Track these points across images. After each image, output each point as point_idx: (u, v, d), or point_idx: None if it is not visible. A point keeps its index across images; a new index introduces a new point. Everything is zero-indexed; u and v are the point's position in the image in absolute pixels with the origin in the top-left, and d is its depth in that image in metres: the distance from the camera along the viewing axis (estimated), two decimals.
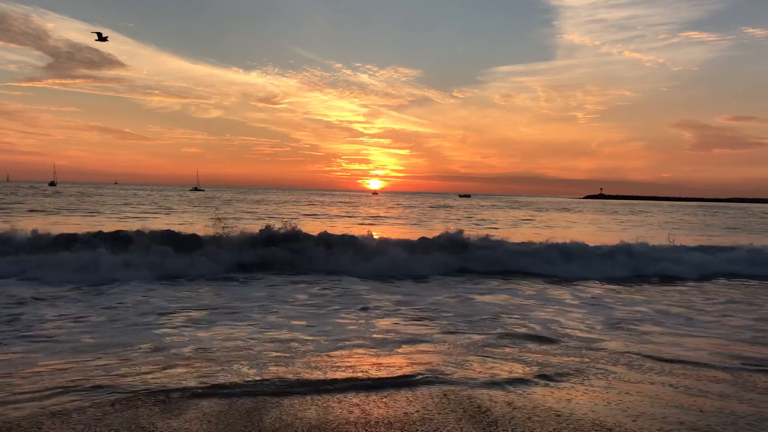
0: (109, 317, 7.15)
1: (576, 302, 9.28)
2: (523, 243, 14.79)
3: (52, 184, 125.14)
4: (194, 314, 7.49)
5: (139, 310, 7.65)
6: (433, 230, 25.05)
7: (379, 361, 5.47)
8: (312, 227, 24.79)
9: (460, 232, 14.59)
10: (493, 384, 4.82)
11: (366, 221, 32.78)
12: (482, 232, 16.20)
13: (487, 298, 9.49)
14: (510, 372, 5.19)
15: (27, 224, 21.49)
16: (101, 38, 11.93)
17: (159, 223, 25.70)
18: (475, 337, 6.55)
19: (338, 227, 27.01)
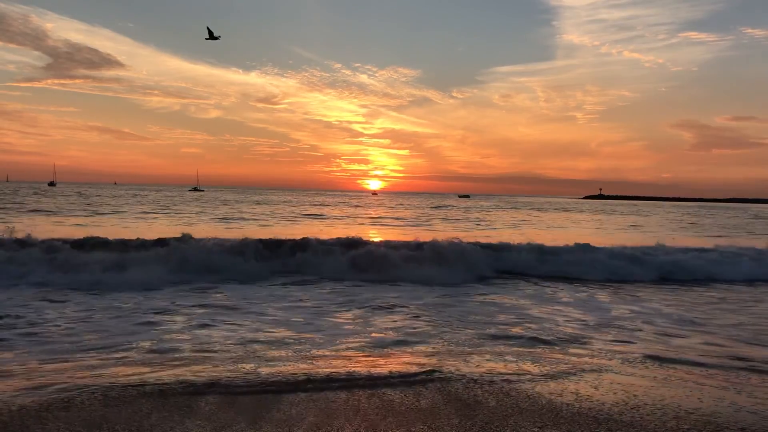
0: (111, 317, 7.22)
1: (573, 301, 9.37)
2: (521, 244, 14.81)
3: (51, 184, 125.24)
4: (194, 313, 7.55)
5: (140, 309, 7.71)
6: (437, 232, 25.15)
7: (378, 359, 5.53)
8: (314, 229, 24.87)
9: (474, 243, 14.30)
10: (491, 381, 4.87)
11: (368, 222, 32.83)
12: (484, 233, 16.26)
13: (485, 298, 9.56)
14: (507, 368, 5.25)
15: (28, 225, 21.56)
16: (213, 37, 11.79)
17: (160, 224, 25.76)
18: (473, 335, 6.62)
19: (339, 229, 27.09)
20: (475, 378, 4.94)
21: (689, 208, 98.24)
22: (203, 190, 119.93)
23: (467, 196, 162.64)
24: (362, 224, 30.32)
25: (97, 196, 61.38)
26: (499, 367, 5.34)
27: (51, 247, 11.56)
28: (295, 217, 34.74)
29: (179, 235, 13.45)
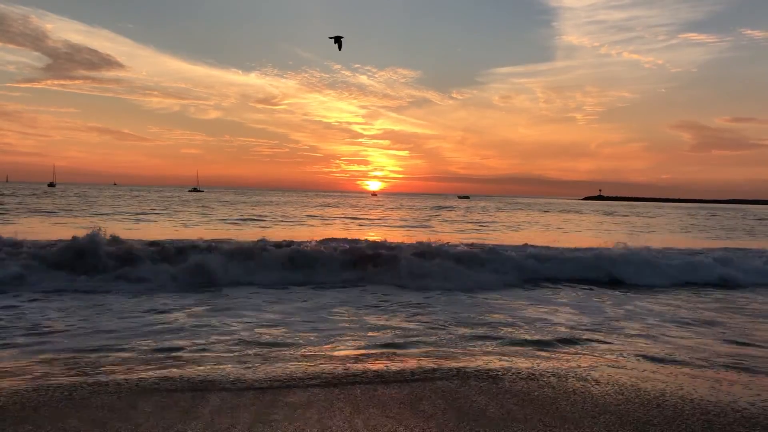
0: (111, 317, 7.24)
1: (568, 302, 9.41)
2: (524, 245, 14.79)
3: (51, 185, 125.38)
4: (194, 313, 7.57)
5: (140, 309, 7.73)
6: (439, 233, 25.12)
7: (376, 358, 5.55)
8: (315, 230, 24.90)
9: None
10: (488, 378, 4.89)
11: (368, 224, 32.83)
12: (490, 235, 16.20)
13: (482, 298, 9.55)
14: (501, 365, 5.26)
15: (29, 225, 21.55)
16: (338, 40, 11.62)
17: (160, 225, 25.76)
18: (470, 334, 6.65)
19: (340, 230, 27.09)
20: (471, 375, 4.96)
21: (689, 209, 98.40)
22: (203, 191, 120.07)
23: (467, 197, 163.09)
24: (362, 226, 30.31)
25: (96, 197, 61.36)
26: (493, 362, 5.36)
27: (50, 249, 11.50)
28: (296, 218, 34.74)
29: (179, 236, 13.42)
